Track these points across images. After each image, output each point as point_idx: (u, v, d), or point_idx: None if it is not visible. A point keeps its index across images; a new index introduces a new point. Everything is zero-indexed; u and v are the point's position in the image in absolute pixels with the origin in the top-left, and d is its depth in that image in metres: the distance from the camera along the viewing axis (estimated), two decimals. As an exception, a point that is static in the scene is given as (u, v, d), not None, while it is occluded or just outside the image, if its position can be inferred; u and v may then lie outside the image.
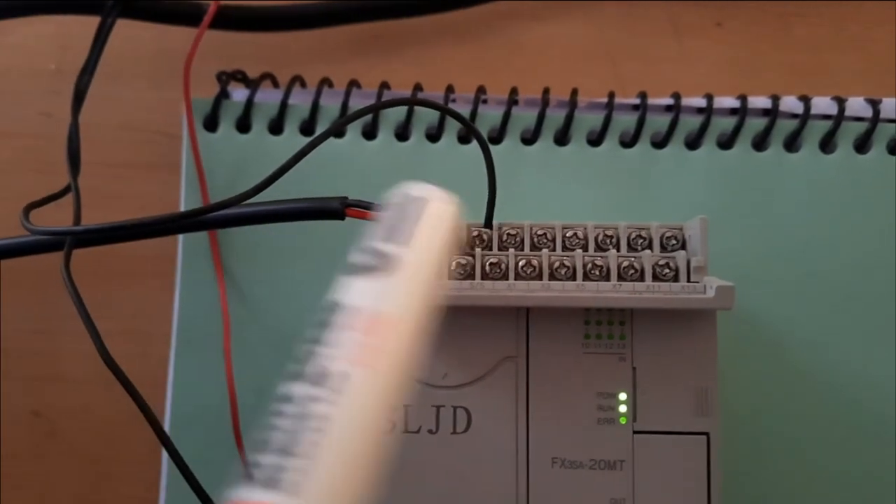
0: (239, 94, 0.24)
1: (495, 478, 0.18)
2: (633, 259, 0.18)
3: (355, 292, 0.11)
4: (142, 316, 0.25)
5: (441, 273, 0.13)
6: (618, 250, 0.18)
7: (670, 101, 0.24)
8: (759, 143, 0.24)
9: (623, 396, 0.18)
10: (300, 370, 0.11)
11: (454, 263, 0.18)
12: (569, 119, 0.23)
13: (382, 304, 0.11)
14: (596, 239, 0.19)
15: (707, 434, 0.18)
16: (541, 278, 0.18)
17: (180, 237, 0.23)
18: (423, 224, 0.12)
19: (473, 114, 0.23)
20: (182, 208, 0.24)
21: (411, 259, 0.12)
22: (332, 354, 0.11)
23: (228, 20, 0.25)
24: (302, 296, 0.23)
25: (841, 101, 0.24)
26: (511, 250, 0.18)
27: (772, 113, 0.23)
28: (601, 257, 0.18)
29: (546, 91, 0.24)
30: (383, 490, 0.18)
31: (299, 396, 0.10)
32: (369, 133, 0.24)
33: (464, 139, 0.24)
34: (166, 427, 0.23)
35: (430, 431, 0.18)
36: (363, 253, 0.12)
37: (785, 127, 0.23)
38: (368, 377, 0.10)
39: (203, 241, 0.23)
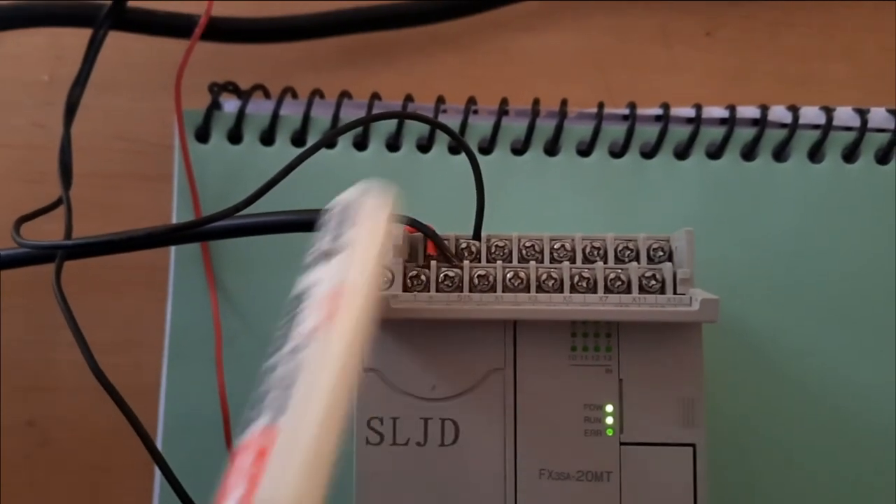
0: (230, 105, 0.24)
1: (483, 490, 0.18)
2: (619, 271, 0.18)
3: (314, 276, 0.14)
4: (134, 326, 0.25)
5: (383, 253, 0.15)
6: (605, 262, 0.18)
7: (659, 111, 0.24)
8: (748, 153, 0.24)
9: (610, 408, 0.18)
10: (281, 341, 0.13)
11: (442, 276, 0.18)
12: (558, 129, 0.24)
13: (336, 277, 0.14)
14: (583, 251, 0.19)
15: (693, 445, 0.18)
16: (528, 290, 0.18)
17: (172, 248, 0.24)
18: (359, 216, 0.15)
19: (464, 124, 0.24)
20: (174, 219, 0.24)
21: (353, 241, 0.15)
22: (303, 320, 0.13)
23: (220, 32, 0.25)
24: (293, 306, 0.23)
25: (829, 111, 0.24)
26: (499, 262, 0.18)
27: (760, 123, 0.24)
28: (588, 269, 0.18)
29: (536, 101, 0.24)
30: (372, 503, 0.18)
31: (281, 356, 0.13)
32: (360, 144, 0.24)
33: (454, 150, 0.24)
34: (159, 437, 0.23)
35: (418, 444, 0.18)
36: (316, 251, 0.15)
37: (773, 137, 0.24)
38: (330, 330, 0.13)
39: (195, 252, 0.23)
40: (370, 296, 0.14)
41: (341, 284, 0.14)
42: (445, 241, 0.19)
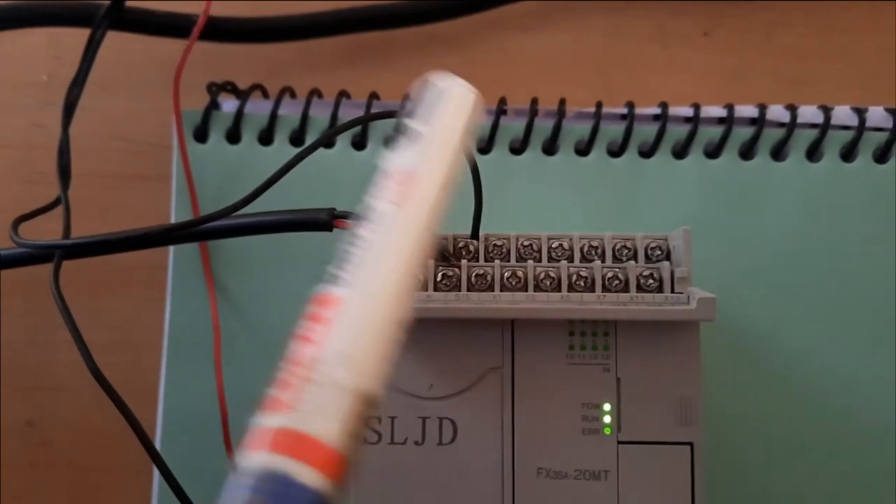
0: (229, 105, 0.24)
1: (481, 488, 0.18)
2: (617, 270, 0.18)
3: (393, 159, 0.15)
4: (133, 326, 0.25)
5: (463, 144, 0.15)
6: (603, 261, 0.18)
7: (657, 111, 0.24)
8: (746, 153, 0.24)
9: (607, 407, 0.18)
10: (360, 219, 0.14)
11: (440, 275, 0.18)
12: (557, 129, 0.24)
13: (411, 163, 0.14)
14: (581, 250, 0.19)
15: (691, 444, 0.18)
16: (526, 289, 0.18)
17: (171, 247, 0.24)
18: (442, 105, 0.15)
19: (462, 124, 0.24)
20: (173, 219, 0.24)
21: (433, 130, 0.15)
22: (379, 200, 0.14)
23: (218, 32, 0.25)
24: (291, 306, 0.23)
25: (827, 110, 0.24)
26: (497, 262, 0.18)
27: (758, 122, 0.24)
28: (586, 268, 0.18)
29: (534, 101, 0.24)
30: (369, 502, 0.18)
31: (356, 232, 0.14)
32: (358, 143, 0.24)
33: (452, 149, 0.24)
34: (157, 437, 0.23)
35: (416, 443, 0.18)
36: (404, 133, 0.15)
37: (772, 136, 0.24)
38: (400, 211, 0.14)
39: (194, 252, 0.23)
40: (446, 184, 0.15)
41: (412, 170, 0.14)
42: (443, 241, 0.19)
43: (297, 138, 0.24)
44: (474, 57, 0.27)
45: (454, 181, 0.15)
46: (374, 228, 0.13)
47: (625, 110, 0.24)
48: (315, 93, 0.24)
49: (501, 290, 0.18)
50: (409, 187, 0.14)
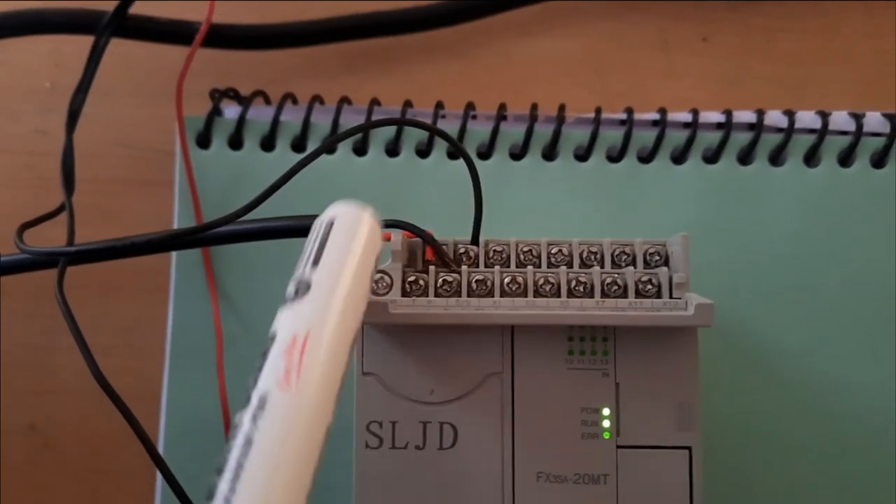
0: (231, 111, 0.24)
1: (481, 492, 0.18)
2: (616, 275, 0.18)
3: (280, 321, 0.12)
4: (136, 330, 0.25)
5: (362, 281, 0.13)
6: (602, 267, 0.19)
7: (656, 116, 0.24)
8: (745, 158, 0.24)
9: (606, 412, 0.18)
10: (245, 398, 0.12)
11: (440, 280, 0.18)
12: (556, 134, 0.24)
13: (297, 326, 0.12)
14: (581, 255, 0.19)
15: (689, 448, 0.18)
16: (526, 295, 0.18)
17: (174, 252, 0.24)
18: (330, 242, 0.13)
19: (462, 130, 0.24)
20: (175, 224, 0.24)
21: (321, 278, 0.12)
22: (258, 380, 0.11)
23: (220, 39, 0.25)
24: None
25: (825, 116, 0.24)
26: (497, 267, 0.19)
27: (757, 127, 0.24)
28: (585, 274, 0.18)
29: (534, 107, 0.24)
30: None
31: (237, 423, 0.11)
32: (360, 149, 0.24)
33: (453, 155, 0.24)
34: (160, 441, 0.23)
35: (417, 447, 0.18)
36: (290, 283, 0.13)
37: (770, 141, 0.24)
38: (285, 396, 0.11)
39: (196, 256, 0.24)
40: (344, 339, 0.12)
41: (299, 336, 0.12)
42: (444, 247, 0.19)
43: (298, 144, 0.24)
44: (475, 63, 0.27)
45: (355, 328, 0.12)
46: (257, 422, 0.11)
47: (624, 116, 0.24)
48: (317, 99, 0.24)
49: (501, 296, 0.18)
50: (297, 358, 0.11)
